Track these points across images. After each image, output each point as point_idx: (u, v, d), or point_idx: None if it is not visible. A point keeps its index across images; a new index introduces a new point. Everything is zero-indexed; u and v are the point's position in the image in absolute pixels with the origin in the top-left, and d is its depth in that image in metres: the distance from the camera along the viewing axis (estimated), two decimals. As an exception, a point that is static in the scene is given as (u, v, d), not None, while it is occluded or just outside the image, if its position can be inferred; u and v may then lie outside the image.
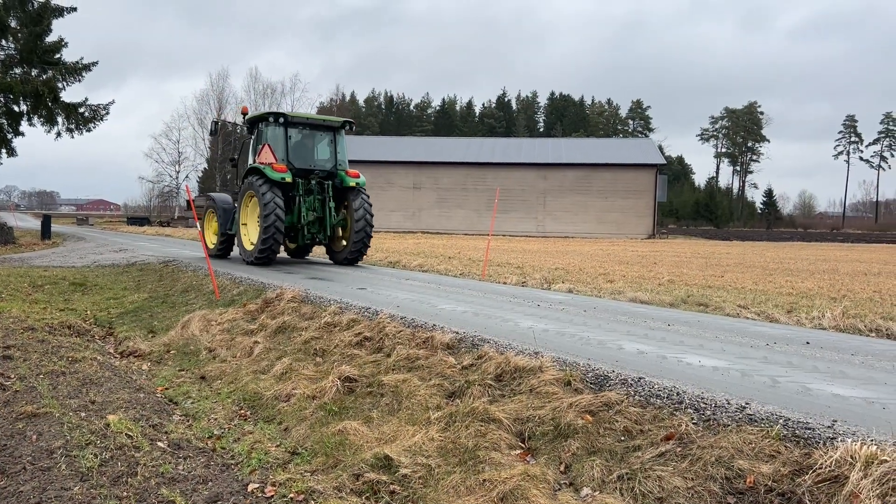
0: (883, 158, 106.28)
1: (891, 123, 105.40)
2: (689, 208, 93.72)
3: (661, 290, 11.41)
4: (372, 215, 13.97)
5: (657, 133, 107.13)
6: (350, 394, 5.72)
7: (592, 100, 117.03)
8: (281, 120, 13.50)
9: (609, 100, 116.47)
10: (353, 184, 13.88)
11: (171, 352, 8.20)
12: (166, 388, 6.83)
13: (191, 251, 19.62)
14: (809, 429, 3.63)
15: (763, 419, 3.82)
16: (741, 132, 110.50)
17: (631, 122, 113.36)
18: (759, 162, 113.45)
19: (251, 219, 13.76)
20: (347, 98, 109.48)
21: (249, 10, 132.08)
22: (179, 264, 14.30)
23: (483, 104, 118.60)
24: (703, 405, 4.12)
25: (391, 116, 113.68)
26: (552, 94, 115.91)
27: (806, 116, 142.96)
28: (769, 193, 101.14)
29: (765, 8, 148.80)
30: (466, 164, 51.81)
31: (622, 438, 4.09)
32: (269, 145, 13.35)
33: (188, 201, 63.50)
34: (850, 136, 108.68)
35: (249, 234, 13.77)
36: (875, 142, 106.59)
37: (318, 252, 17.51)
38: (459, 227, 50.75)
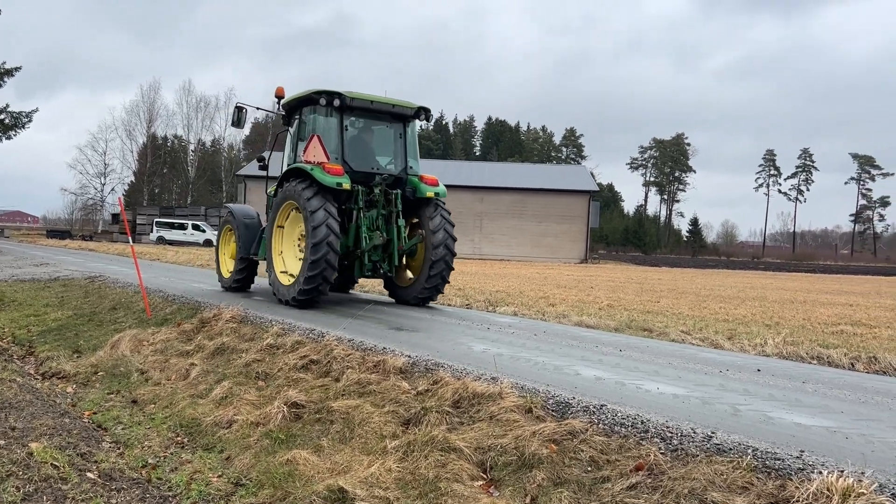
0: (800, 192, 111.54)
1: (807, 159, 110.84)
2: (619, 234, 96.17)
3: (602, 314, 11.47)
4: (455, 239, 10.12)
5: (589, 160, 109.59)
6: (297, 420, 5.44)
7: (528, 126, 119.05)
8: (336, 102, 9.64)
9: (544, 126, 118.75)
10: (430, 194, 10.12)
11: (100, 373, 7.69)
12: (94, 413, 6.38)
13: (118, 266, 18.77)
14: (779, 459, 3.58)
15: (731, 449, 3.75)
16: (669, 162, 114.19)
17: (564, 149, 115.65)
18: (685, 191, 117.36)
19: (289, 241, 9.99)
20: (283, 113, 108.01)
21: (196, 28, 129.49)
22: (106, 280, 13.60)
23: (421, 126, 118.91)
24: (669, 434, 4.04)
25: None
26: (489, 118, 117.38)
27: (729, 150, 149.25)
28: (694, 222, 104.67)
29: (696, 49, 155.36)
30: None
31: (589, 469, 3.96)
32: (318, 137, 9.53)
33: (115, 214, 61.15)
34: (770, 170, 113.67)
35: (286, 261, 9.93)
36: (793, 175, 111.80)
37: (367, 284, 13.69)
38: (395, 248, 50.43)
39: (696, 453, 3.81)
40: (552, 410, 4.64)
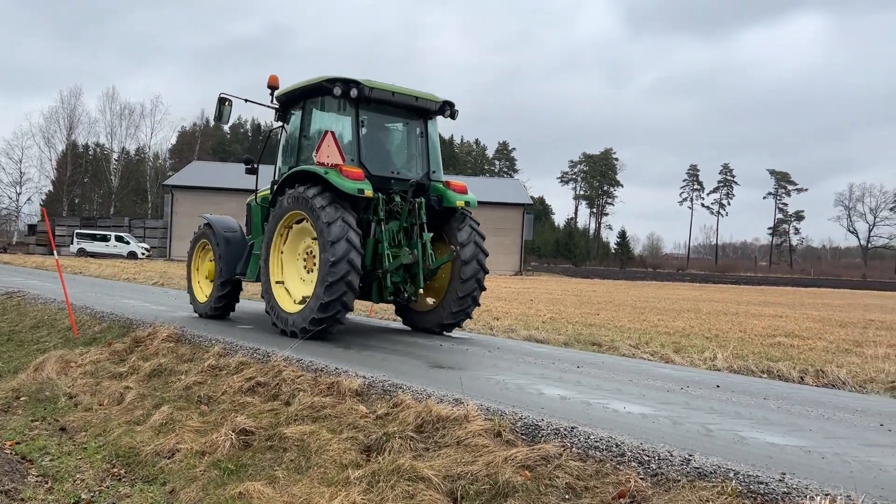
0: (721, 206, 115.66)
1: (728, 174, 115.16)
2: (550, 246, 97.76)
3: (548, 328, 11.44)
4: (486, 254, 8.83)
5: (521, 174, 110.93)
6: (247, 448, 5.09)
7: (462, 139, 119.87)
8: (353, 92, 8.02)
9: (477, 140, 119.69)
10: (460, 203, 8.70)
11: (22, 398, 7.11)
12: (17, 443, 5.85)
13: (38, 280, 17.71)
14: (762, 483, 3.48)
15: (712, 473, 3.64)
16: (598, 176, 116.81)
17: (497, 162, 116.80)
18: (613, 205, 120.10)
19: (291, 258, 8.45)
20: (212, 124, 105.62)
21: (123, 34, 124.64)
22: (27, 296, 12.75)
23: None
24: (646, 458, 3.91)
25: (258, 145, 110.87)
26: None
27: (655, 166, 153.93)
28: (622, 235, 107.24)
29: (625, 68, 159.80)
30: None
31: (567, 497, 3.79)
32: (333, 134, 7.96)
33: (31, 226, 58.12)
34: (693, 185, 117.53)
35: (289, 284, 8.40)
36: (715, 190, 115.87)
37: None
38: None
39: (678, 478, 3.69)
40: (522, 434, 4.46)
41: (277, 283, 8.38)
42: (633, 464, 3.89)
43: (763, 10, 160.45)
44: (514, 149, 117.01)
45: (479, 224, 8.91)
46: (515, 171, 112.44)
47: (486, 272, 8.75)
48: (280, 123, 9.37)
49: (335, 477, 4.36)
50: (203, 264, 10.26)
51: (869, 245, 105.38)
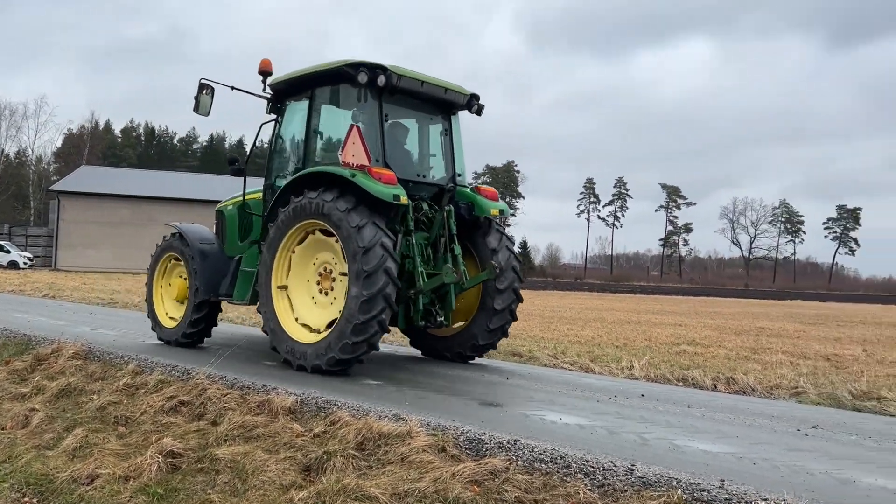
0: (616, 217, 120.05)
1: (622, 188, 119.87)
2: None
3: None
4: (520, 262, 7.97)
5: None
6: (176, 471, 4.85)
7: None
8: (381, 80, 6.92)
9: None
10: (494, 212, 7.77)
11: None
12: None
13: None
14: (704, 490, 3.63)
15: (656, 482, 3.77)
16: (500, 188, 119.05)
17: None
18: (515, 216, 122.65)
19: (300, 278, 7.13)
20: (101, 126, 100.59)
21: (10, 31, 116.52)
22: None
23: (256, 143, 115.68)
24: (591, 469, 4.00)
25: (151, 150, 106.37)
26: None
27: (555, 178, 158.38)
28: (524, 245, 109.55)
29: (527, 84, 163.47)
30: (239, 205, 49.56)
31: (518, 510, 3.82)
32: (359, 129, 6.84)
33: None
34: (590, 198, 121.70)
35: (297, 308, 7.08)
36: (610, 203, 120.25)
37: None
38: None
39: (624, 488, 3.79)
40: (466, 448, 4.47)
41: (278, 288, 7.10)
42: (580, 475, 3.96)
43: (656, 34, 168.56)
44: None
45: (505, 227, 7.93)
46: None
47: (522, 282, 7.89)
48: (273, 116, 7.98)
49: (277, 499, 4.22)
50: (170, 282, 8.73)
51: (750, 256, 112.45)
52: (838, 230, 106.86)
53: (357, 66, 6.95)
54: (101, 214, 48.42)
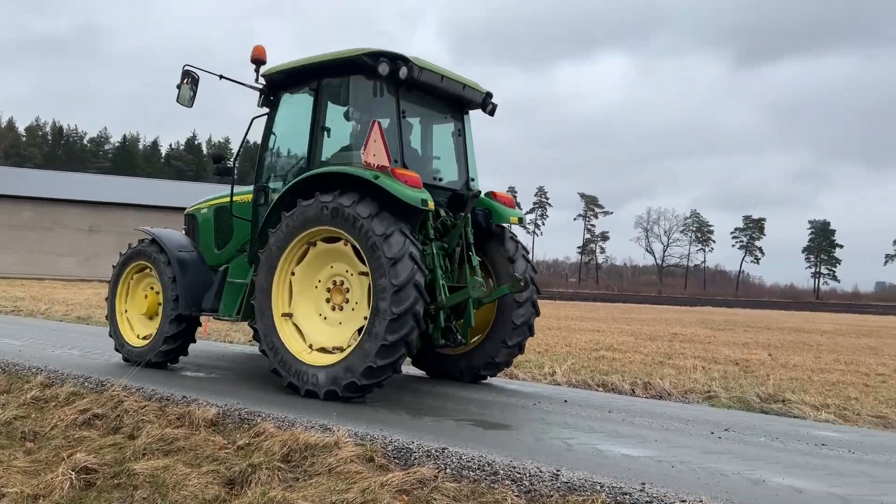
0: (536, 226, 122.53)
1: (543, 197, 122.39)
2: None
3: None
4: (536, 271, 7.50)
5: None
6: (90, 488, 4.65)
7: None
8: (403, 72, 6.33)
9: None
10: (513, 220, 7.31)
11: None
12: None
13: None
14: (626, 493, 3.75)
15: (580, 486, 3.87)
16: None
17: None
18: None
19: (307, 293, 6.38)
20: (4, 124, 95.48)
21: None
22: None
23: (171, 145, 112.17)
24: (517, 475, 4.07)
25: (59, 150, 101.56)
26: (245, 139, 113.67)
27: (479, 187, 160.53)
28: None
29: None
30: (153, 208, 47.95)
31: (447, 519, 3.84)
32: (380, 126, 6.15)
33: None
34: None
35: (307, 327, 6.32)
36: (531, 211, 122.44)
37: None
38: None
39: (550, 493, 3.88)
40: (394, 457, 4.48)
41: (284, 313, 6.31)
42: (507, 482, 4.03)
43: (576, 49, 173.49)
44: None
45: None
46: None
47: (540, 293, 7.41)
48: (266, 110, 7.16)
49: (200, 514, 4.10)
50: (138, 294, 7.76)
51: (663, 264, 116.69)
52: (745, 239, 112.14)
53: (377, 55, 6.33)
54: (1, 217, 45.84)
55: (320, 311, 6.32)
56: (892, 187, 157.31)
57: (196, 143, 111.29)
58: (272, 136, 7.13)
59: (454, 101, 7.20)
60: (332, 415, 5.28)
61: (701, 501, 3.61)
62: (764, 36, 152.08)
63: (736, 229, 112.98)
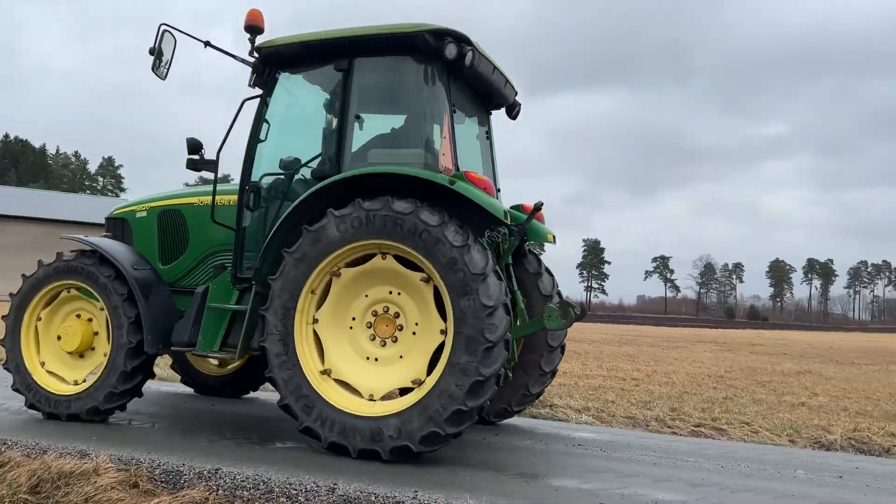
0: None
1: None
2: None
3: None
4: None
5: (129, 193, 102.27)
6: None
7: (57, 150, 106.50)
8: (469, 57, 5.16)
9: (77, 152, 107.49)
10: (550, 238, 6.16)
11: None
12: None
13: None
14: (399, 502, 3.87)
15: (356, 499, 3.92)
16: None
17: (101, 178, 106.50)
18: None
19: (341, 325, 5.02)
20: None
21: None
22: None
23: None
24: (293, 491, 4.03)
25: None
26: (6, 136, 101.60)
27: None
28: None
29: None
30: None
31: (216, 542, 3.71)
32: (450, 119, 5.28)
33: None
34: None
35: (338, 366, 4.96)
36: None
37: None
38: None
39: (327, 508, 3.89)
40: (162, 482, 4.24)
41: (308, 350, 4.97)
42: (282, 498, 3.98)
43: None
44: (121, 165, 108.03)
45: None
46: (123, 189, 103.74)
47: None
48: (261, 92, 5.68)
49: (-79, 561, 3.59)
50: (66, 325, 5.77)
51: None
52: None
53: (443, 34, 5.15)
54: None
55: (367, 355, 4.99)
56: (651, 211, 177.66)
57: None
58: (265, 125, 5.62)
59: (490, 97, 6.19)
60: (91, 439, 4.87)
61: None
62: (550, 68, 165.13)
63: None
